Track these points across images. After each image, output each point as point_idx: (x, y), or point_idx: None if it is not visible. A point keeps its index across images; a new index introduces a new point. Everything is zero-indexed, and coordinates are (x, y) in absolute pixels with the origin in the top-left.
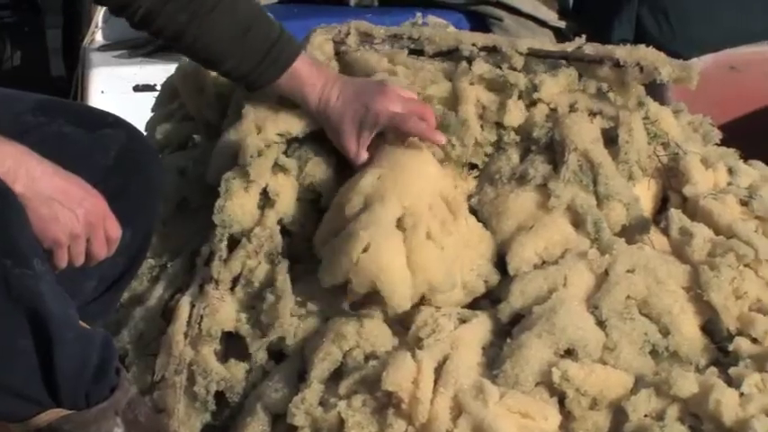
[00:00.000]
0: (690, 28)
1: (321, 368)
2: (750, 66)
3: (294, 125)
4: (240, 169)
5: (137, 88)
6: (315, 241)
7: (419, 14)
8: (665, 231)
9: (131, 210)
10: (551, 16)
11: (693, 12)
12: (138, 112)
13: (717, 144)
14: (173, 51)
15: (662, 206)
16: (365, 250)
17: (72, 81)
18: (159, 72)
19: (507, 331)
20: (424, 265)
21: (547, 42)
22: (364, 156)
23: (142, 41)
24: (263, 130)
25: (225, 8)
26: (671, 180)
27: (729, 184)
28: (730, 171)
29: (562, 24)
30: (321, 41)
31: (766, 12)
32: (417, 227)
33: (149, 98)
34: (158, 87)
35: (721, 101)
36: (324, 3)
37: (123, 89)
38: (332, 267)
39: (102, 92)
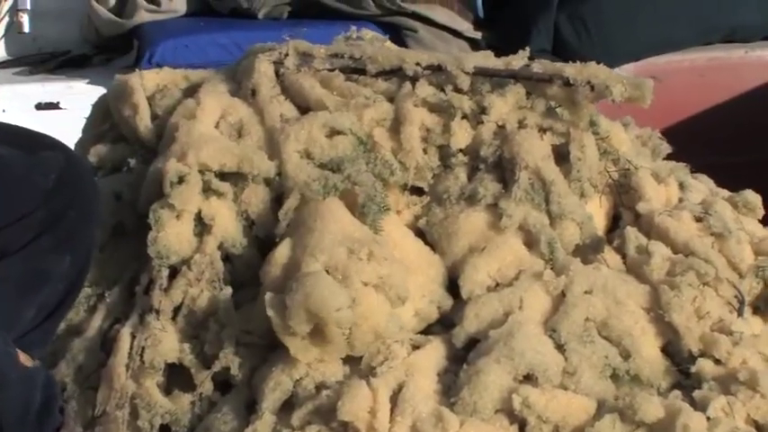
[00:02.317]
0: (610, 37)
1: (272, 398)
2: (671, 75)
3: (215, 159)
4: (166, 199)
5: (39, 106)
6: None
7: (353, 28)
8: (619, 250)
9: (71, 235)
10: (466, 27)
11: (614, 21)
12: (41, 131)
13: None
14: (76, 66)
15: (613, 224)
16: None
17: None
18: (63, 89)
19: (462, 356)
20: (365, 314)
21: (491, 58)
22: None
23: (45, 57)
24: (185, 157)
25: None
26: (622, 197)
27: (680, 199)
28: (681, 186)
29: (478, 35)
30: (266, 67)
31: (686, 21)
32: (349, 277)
33: (53, 116)
34: (62, 105)
35: (642, 111)
36: (231, 16)
37: (25, 107)
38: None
39: (4, 110)
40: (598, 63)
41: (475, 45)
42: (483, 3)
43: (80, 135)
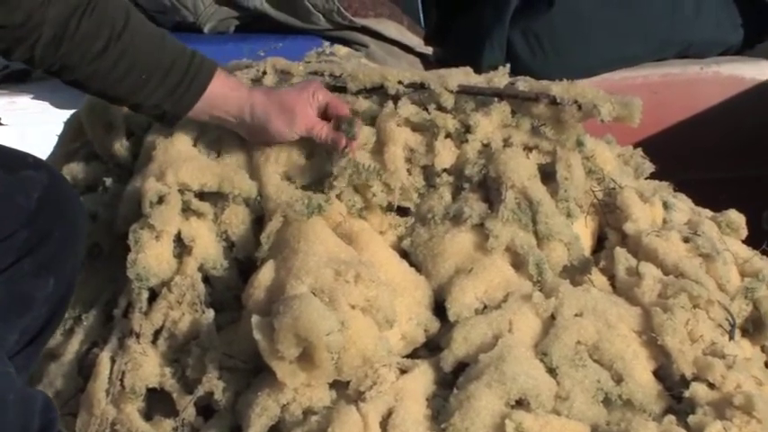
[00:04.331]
0: (563, 53)
1: (259, 424)
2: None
3: (194, 179)
4: (145, 219)
5: None
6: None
7: (327, 44)
8: (605, 271)
9: (55, 257)
10: (416, 41)
11: (567, 36)
12: None
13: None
14: (18, 81)
15: (598, 245)
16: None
17: None
18: (4, 104)
19: (451, 381)
20: (353, 337)
21: (472, 75)
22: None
23: None
24: (164, 177)
25: (135, 28)
26: (607, 216)
27: (665, 220)
28: (665, 205)
29: (428, 50)
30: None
31: (640, 36)
32: (336, 300)
33: None
34: (3, 121)
35: (595, 128)
36: (175, 30)
37: None
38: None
39: None
40: (552, 79)
41: (425, 60)
42: (424, 13)
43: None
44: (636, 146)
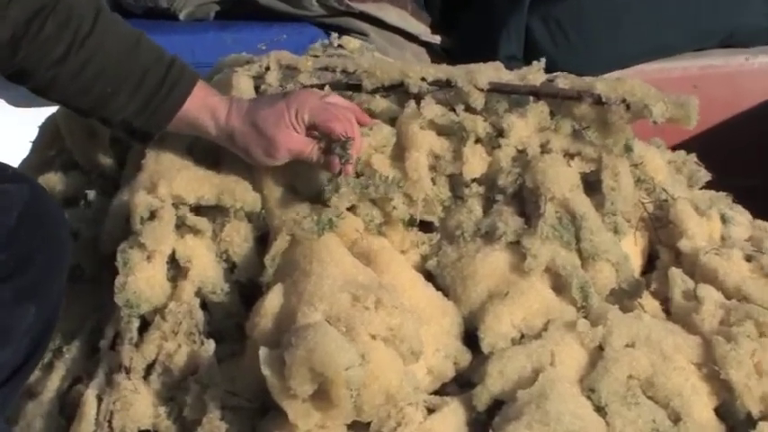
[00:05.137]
0: (591, 42)
1: None
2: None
3: (190, 190)
4: (135, 237)
5: None
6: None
7: (335, 35)
8: (657, 294)
9: (37, 282)
10: (422, 29)
11: (595, 23)
12: None
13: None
14: None
15: (649, 264)
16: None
17: None
18: None
19: (484, 421)
20: (375, 372)
21: (502, 71)
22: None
23: None
24: (156, 189)
25: (105, 31)
26: (659, 232)
27: (722, 236)
28: (723, 219)
29: (435, 39)
30: (246, 84)
31: (678, 23)
32: (354, 329)
33: None
34: None
35: (638, 130)
36: (147, 17)
37: None
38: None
39: None
40: (578, 72)
41: (431, 51)
42: None
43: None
44: (673, 146)
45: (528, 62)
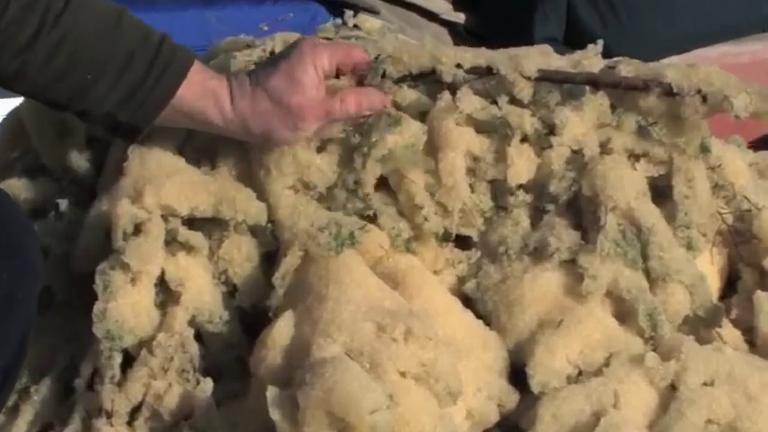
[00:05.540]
0: (645, 22)
1: None
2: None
3: (182, 199)
4: (117, 256)
5: None
6: None
7: (350, 13)
8: (739, 322)
9: (3, 308)
10: (443, 7)
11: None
12: None
13: None
14: None
15: (729, 286)
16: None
17: None
18: None
19: None
20: (405, 416)
21: (552, 56)
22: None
23: None
24: (141, 197)
25: (81, 7)
26: (740, 248)
27: None
28: None
29: (459, 18)
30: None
31: (744, 1)
32: (381, 365)
33: None
34: None
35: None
36: None
37: None
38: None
39: None
40: (629, 56)
41: (454, 31)
42: None
43: None
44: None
45: (569, 45)
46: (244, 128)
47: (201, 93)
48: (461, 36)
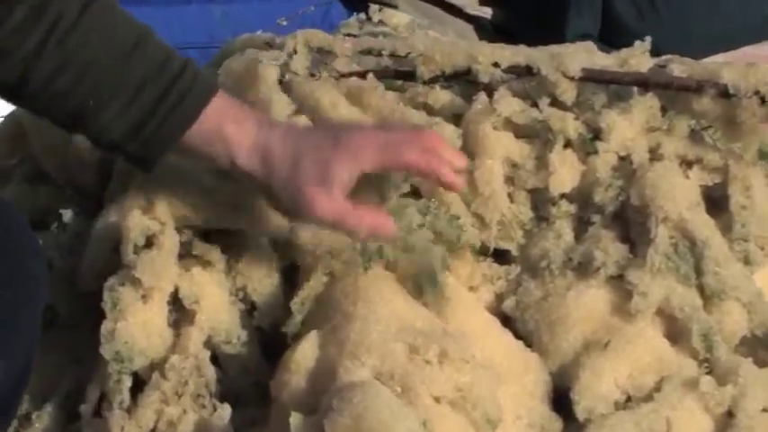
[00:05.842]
0: (688, 16)
1: None
2: None
3: (197, 210)
4: (127, 271)
5: None
6: None
7: (375, 7)
8: None
9: (3, 327)
10: (469, 1)
11: None
12: None
13: None
14: None
15: None
16: None
17: None
18: None
19: None
20: None
21: (597, 54)
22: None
23: None
24: (153, 208)
25: (96, 22)
26: None
27: None
28: None
29: (485, 13)
30: (275, 77)
31: None
32: (413, 389)
33: None
34: None
35: None
36: None
37: None
38: None
39: None
40: (670, 53)
41: (479, 27)
42: None
43: None
44: None
45: (604, 42)
46: (249, 180)
47: (212, 139)
48: (487, 31)
